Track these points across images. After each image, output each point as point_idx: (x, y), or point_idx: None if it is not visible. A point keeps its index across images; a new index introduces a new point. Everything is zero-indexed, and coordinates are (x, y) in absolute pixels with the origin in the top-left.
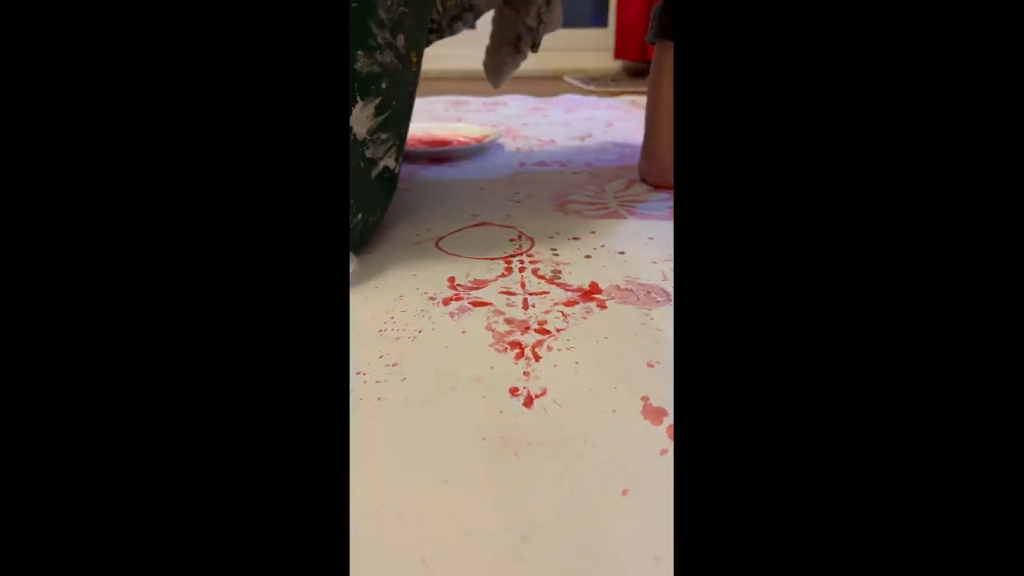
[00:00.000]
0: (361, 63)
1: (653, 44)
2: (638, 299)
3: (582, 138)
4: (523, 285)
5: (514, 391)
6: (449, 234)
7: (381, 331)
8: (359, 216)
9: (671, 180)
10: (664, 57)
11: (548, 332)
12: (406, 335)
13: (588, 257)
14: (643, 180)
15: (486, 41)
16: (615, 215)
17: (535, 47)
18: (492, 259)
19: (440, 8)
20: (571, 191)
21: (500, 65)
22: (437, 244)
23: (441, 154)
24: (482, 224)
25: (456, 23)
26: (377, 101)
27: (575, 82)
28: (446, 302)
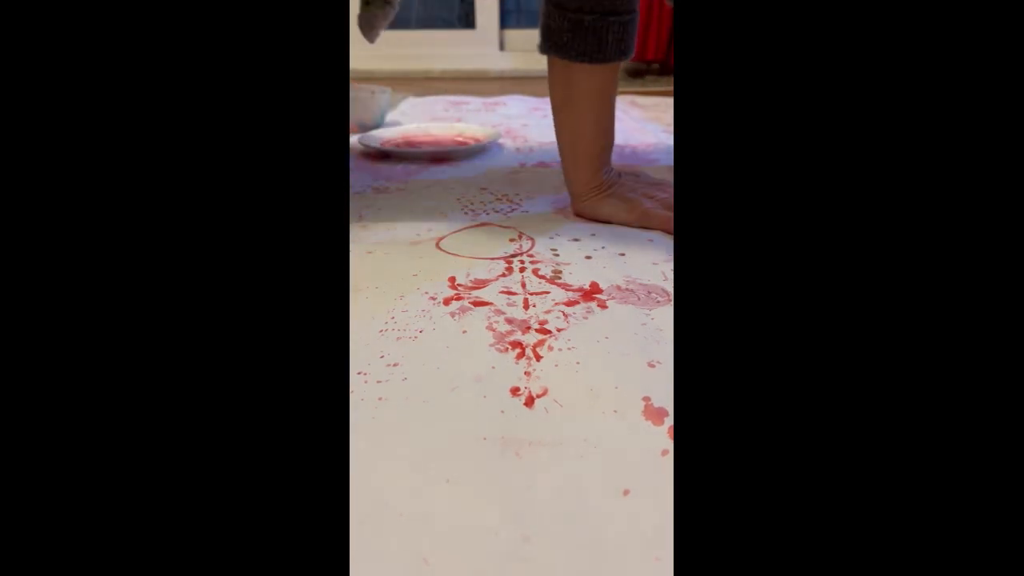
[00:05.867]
0: None
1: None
2: (639, 299)
3: None
4: (524, 285)
5: (515, 391)
6: (449, 234)
7: (382, 331)
8: None
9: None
10: (575, 74)
11: (549, 332)
12: (407, 335)
13: (588, 258)
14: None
15: (486, 42)
16: None
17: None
18: (492, 259)
19: None
20: None
21: (372, 19)
22: (437, 244)
23: (441, 154)
24: (482, 224)
25: None
26: None
27: None
28: (447, 302)
